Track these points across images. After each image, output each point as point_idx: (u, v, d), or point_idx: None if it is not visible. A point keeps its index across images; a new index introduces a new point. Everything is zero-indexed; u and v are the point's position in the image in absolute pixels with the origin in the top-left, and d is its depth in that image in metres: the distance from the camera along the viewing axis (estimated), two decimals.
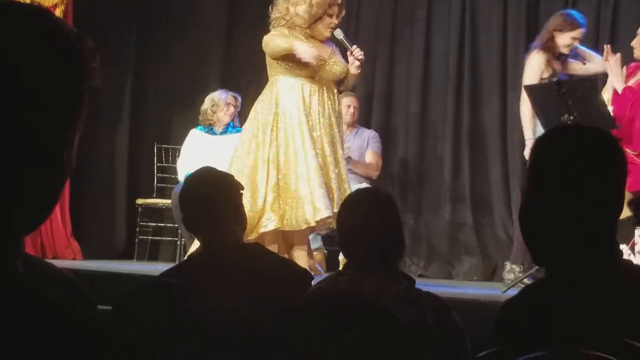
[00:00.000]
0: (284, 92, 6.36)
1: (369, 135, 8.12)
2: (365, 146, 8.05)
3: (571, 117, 5.82)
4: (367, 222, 3.18)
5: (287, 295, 3.15)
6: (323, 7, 6.36)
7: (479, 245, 8.15)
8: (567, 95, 5.83)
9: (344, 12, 6.57)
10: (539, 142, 2.07)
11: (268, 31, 6.45)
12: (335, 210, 5.78)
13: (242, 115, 7.57)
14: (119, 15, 8.56)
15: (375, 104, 8.79)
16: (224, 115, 7.74)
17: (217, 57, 8.99)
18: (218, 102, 7.75)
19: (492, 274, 8.00)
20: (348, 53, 6.50)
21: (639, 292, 1.93)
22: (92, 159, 8.37)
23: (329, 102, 6.46)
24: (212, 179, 3.49)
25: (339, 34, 6.50)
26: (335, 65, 6.51)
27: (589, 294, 1.93)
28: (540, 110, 6.24)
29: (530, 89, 6.21)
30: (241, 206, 3.51)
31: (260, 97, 6.51)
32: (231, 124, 7.81)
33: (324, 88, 6.45)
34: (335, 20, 6.44)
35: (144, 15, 8.84)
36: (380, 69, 8.80)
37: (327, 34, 6.48)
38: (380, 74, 8.79)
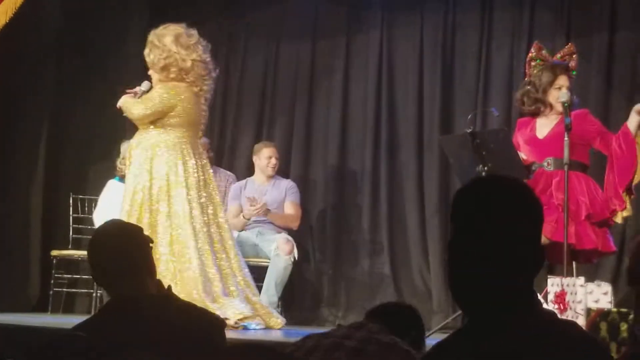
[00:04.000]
0: None
1: (287, 186, 8.12)
2: (283, 197, 8.05)
3: (485, 168, 5.89)
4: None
5: (202, 344, 3.12)
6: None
7: (397, 295, 8.15)
8: (481, 146, 5.91)
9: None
10: (457, 194, 2.10)
11: None
12: None
13: None
14: (36, 70, 8.47)
15: (293, 154, 8.81)
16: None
17: None
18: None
19: None
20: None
21: (557, 338, 1.95)
22: (6, 208, 8.23)
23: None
24: (121, 231, 3.45)
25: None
26: None
27: (512, 340, 1.94)
28: (455, 160, 6.31)
29: (445, 140, 6.27)
30: (150, 257, 3.47)
31: None
32: None
33: None
34: None
35: (59, 55, 8.72)
36: (299, 120, 8.84)
37: None
38: (299, 125, 8.83)
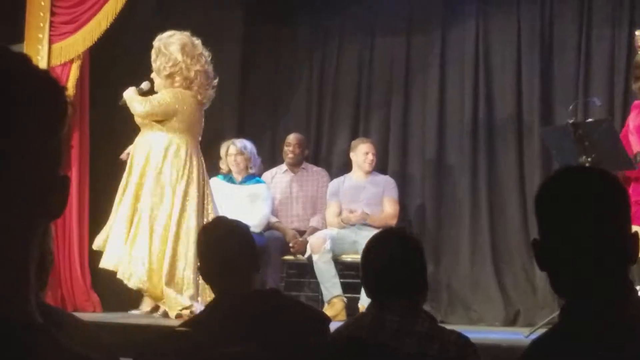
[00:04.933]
0: None
1: (385, 182, 8.11)
2: (381, 192, 8.04)
3: (589, 159, 5.80)
4: (393, 263, 3.17)
5: (307, 340, 3.14)
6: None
7: (500, 290, 8.07)
8: (584, 137, 5.81)
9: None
10: (544, 187, 2.10)
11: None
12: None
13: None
14: (135, 70, 8.58)
15: (390, 149, 8.79)
16: (231, 166, 7.87)
17: (232, 100, 8.98)
18: (225, 152, 7.91)
19: (514, 319, 7.93)
20: None
21: None
22: (110, 210, 8.35)
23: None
24: (227, 228, 3.48)
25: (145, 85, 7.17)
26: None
27: (609, 337, 1.92)
28: (557, 152, 6.22)
29: (547, 132, 6.18)
30: (256, 253, 3.50)
31: None
32: (250, 175, 7.93)
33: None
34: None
35: None
36: (395, 116, 8.82)
37: None
38: (395, 121, 8.81)
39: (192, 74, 6.94)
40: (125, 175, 6.99)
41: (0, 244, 1.11)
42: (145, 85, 7.07)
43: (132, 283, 6.72)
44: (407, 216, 8.54)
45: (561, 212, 2.03)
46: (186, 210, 6.79)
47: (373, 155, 8.09)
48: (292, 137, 8.48)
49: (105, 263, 6.84)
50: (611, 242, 1.99)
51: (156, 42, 7.00)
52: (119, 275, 6.74)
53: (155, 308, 7.02)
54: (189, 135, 6.98)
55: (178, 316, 6.44)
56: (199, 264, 3.50)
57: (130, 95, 7.00)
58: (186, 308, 6.52)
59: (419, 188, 8.68)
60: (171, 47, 6.91)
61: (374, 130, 8.87)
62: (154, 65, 6.98)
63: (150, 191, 6.80)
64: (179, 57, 6.90)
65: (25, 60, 1.17)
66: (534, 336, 5.77)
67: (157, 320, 6.71)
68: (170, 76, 6.94)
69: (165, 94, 6.94)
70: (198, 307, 6.38)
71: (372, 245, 3.33)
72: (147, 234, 6.72)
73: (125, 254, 6.72)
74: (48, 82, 1.19)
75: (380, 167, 8.45)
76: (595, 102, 7.07)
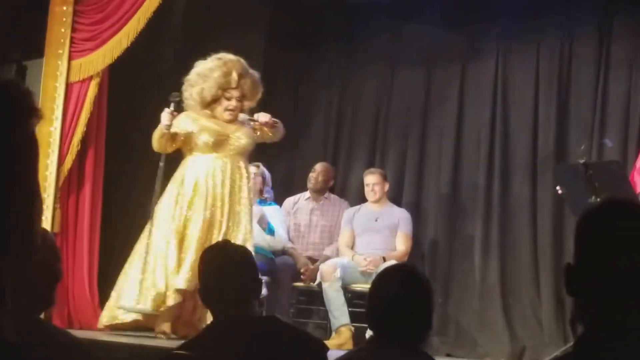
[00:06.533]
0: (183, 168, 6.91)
1: (400, 215, 8.13)
2: (396, 225, 8.06)
3: (598, 199, 5.80)
4: (399, 301, 3.16)
5: None
6: (212, 91, 6.84)
7: (507, 326, 8.07)
8: (594, 177, 5.83)
9: (256, 95, 7.03)
10: (585, 217, 2.10)
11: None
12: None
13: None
14: (155, 86, 8.63)
15: (406, 181, 8.82)
16: None
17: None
18: None
19: (520, 355, 7.91)
20: (257, 125, 6.99)
21: None
22: (122, 229, 8.39)
23: (233, 174, 6.84)
24: (229, 253, 3.50)
25: (243, 117, 6.96)
26: (240, 139, 6.87)
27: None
28: (568, 190, 6.23)
29: (560, 169, 6.19)
30: (256, 278, 3.51)
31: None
32: (263, 199, 7.96)
33: (229, 160, 6.84)
34: (233, 103, 6.87)
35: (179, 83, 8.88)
36: (412, 147, 8.86)
37: (226, 116, 6.89)
38: (412, 152, 8.85)
39: (212, 96, 7.00)
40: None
41: None
42: (173, 97, 6.88)
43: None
44: (420, 250, 8.55)
45: (606, 241, 2.03)
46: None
47: (376, 185, 8.10)
48: (318, 165, 8.56)
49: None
50: None
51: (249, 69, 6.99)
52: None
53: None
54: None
55: None
56: (199, 286, 3.52)
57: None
58: None
59: (433, 221, 8.69)
60: (199, 74, 6.90)
61: (391, 161, 8.91)
62: (185, 94, 6.91)
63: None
64: (208, 83, 6.92)
65: None
66: None
67: (161, 341, 6.69)
68: (202, 102, 6.94)
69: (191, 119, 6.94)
70: None
71: (380, 281, 3.32)
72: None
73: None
74: None
75: (395, 198, 8.48)
76: (607, 143, 7.09)
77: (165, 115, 6.71)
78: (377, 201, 8.09)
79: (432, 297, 3.26)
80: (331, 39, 9.26)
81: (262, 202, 8.05)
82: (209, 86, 6.83)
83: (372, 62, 9.16)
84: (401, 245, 8.02)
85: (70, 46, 7.75)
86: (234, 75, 6.84)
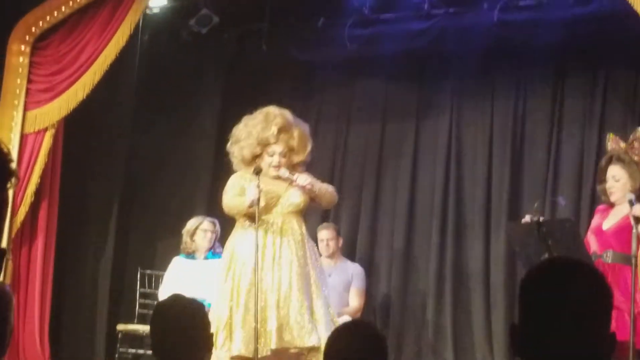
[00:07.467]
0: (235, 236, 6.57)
1: (354, 271, 8.12)
2: (349, 281, 8.05)
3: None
4: (356, 357, 3.15)
5: None
6: (251, 148, 6.53)
7: None
8: (547, 235, 5.86)
9: (305, 148, 6.69)
10: (530, 276, 2.10)
11: None
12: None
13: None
14: (111, 138, 8.61)
15: (359, 237, 8.82)
16: (201, 241, 7.80)
17: (205, 182, 8.99)
18: (195, 229, 7.83)
19: None
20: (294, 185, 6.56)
21: None
22: (75, 280, 8.33)
23: (288, 233, 6.52)
24: (182, 306, 3.48)
25: (283, 173, 6.54)
26: (292, 197, 6.57)
27: None
28: (520, 248, 6.27)
29: (511, 227, 6.23)
30: (209, 333, 3.49)
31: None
32: (211, 250, 7.87)
33: (281, 220, 6.52)
34: (276, 159, 6.53)
35: (133, 136, 8.86)
36: (366, 202, 8.88)
37: (272, 172, 6.53)
38: (366, 207, 8.86)
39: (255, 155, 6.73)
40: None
41: None
42: (282, 172, 6.60)
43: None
44: (372, 304, 8.54)
45: (547, 302, 2.03)
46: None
47: (330, 240, 8.10)
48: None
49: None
50: (591, 338, 2.01)
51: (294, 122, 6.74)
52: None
53: None
54: None
55: None
56: (151, 339, 3.48)
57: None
58: None
59: (386, 276, 8.69)
60: (243, 132, 6.65)
61: (345, 215, 8.91)
62: (230, 150, 6.72)
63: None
64: (248, 141, 6.64)
65: None
66: None
67: None
68: (244, 161, 6.65)
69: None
70: None
71: (335, 339, 3.31)
72: None
73: None
74: None
75: (348, 253, 8.47)
76: (560, 201, 7.15)
77: (253, 190, 6.27)
78: (331, 256, 8.09)
79: (387, 354, 3.26)
80: (286, 95, 9.28)
81: (213, 255, 7.95)
82: (249, 143, 6.52)
83: (326, 118, 9.19)
84: (354, 301, 8.01)
85: (26, 97, 7.73)
86: (273, 130, 6.52)
